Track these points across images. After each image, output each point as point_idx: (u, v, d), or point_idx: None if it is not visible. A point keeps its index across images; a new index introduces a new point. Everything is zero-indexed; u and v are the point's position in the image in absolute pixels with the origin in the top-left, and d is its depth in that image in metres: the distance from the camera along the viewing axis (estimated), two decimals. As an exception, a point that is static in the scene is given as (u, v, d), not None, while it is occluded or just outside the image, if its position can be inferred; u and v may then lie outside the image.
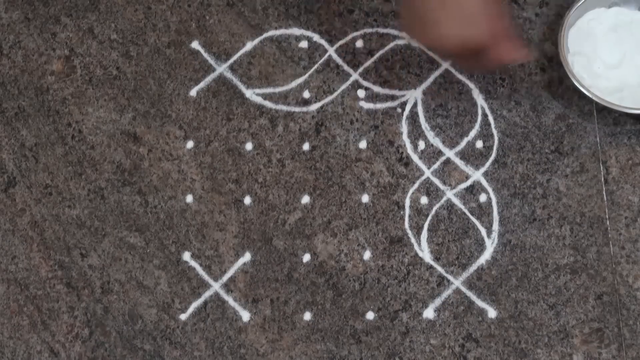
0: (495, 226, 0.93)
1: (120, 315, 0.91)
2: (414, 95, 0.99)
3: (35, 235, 0.95)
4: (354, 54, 1.00)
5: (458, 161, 0.96)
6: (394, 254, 0.93)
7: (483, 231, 0.93)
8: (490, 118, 0.97)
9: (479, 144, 0.96)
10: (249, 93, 0.99)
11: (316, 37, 1.01)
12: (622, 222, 0.94)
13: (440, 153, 0.96)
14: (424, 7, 0.86)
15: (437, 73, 0.99)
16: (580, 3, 0.96)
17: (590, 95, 0.93)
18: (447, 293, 0.91)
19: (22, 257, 0.95)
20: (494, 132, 0.97)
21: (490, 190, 0.95)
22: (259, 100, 0.99)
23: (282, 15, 1.02)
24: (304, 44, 1.00)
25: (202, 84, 0.99)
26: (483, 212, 0.94)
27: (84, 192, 0.95)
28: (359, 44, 1.00)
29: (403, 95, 0.99)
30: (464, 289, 0.91)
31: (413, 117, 0.98)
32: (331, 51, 1.00)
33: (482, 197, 0.94)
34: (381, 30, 1.01)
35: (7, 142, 0.97)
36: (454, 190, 0.95)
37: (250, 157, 0.96)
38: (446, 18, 0.85)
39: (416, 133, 0.97)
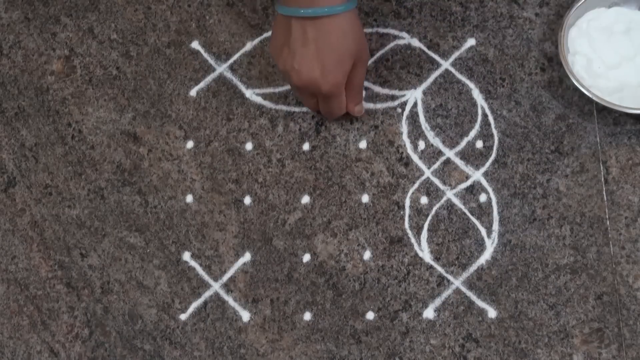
0: (495, 226, 0.93)
1: (120, 315, 0.91)
2: (414, 95, 0.99)
3: (35, 235, 0.95)
4: (354, 54, 1.00)
5: (458, 161, 0.96)
6: (394, 254, 0.93)
7: (483, 231, 0.93)
8: (490, 118, 0.97)
9: (479, 144, 0.96)
10: (249, 93, 0.99)
11: (316, 37, 1.01)
12: (622, 222, 0.94)
13: (440, 153, 0.96)
14: (288, 36, 0.88)
15: (437, 73, 0.99)
16: (580, 3, 0.97)
17: (590, 95, 0.93)
18: (447, 293, 0.91)
19: (22, 257, 0.95)
20: (494, 132, 0.97)
21: (490, 190, 0.95)
22: (259, 100, 0.99)
23: (282, 15, 1.02)
24: (304, 44, 1.00)
25: (202, 84, 0.99)
26: (483, 212, 0.94)
27: (84, 192, 0.95)
28: (359, 44, 1.00)
29: (403, 95, 0.99)
30: (464, 289, 0.91)
31: (413, 117, 0.98)
32: (331, 51, 1.00)
33: (482, 197, 0.94)
34: (381, 30, 1.01)
35: (7, 142, 0.97)
36: (454, 190, 0.95)
37: (250, 157, 0.96)
38: (301, 55, 0.87)
39: (416, 133, 0.97)
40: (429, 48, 1.00)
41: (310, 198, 0.95)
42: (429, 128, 0.97)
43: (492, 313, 0.91)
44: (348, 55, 0.88)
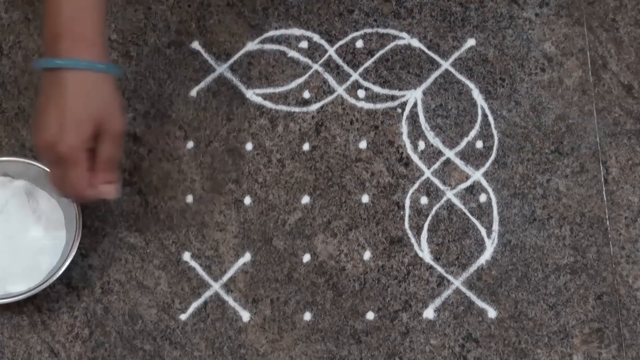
0: (495, 226, 0.93)
1: (120, 315, 0.91)
2: (414, 95, 0.99)
3: (35, 235, 0.95)
4: (354, 54, 1.00)
5: (458, 161, 0.96)
6: (394, 254, 0.93)
7: (483, 231, 0.93)
8: (490, 118, 0.97)
9: (479, 144, 0.96)
10: (249, 93, 0.99)
11: (316, 37, 1.01)
12: (622, 222, 0.94)
13: (440, 153, 0.96)
14: (40, 94, 0.84)
15: (437, 73, 0.99)
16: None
17: None
18: (447, 293, 0.91)
19: (22, 257, 0.95)
20: (494, 132, 0.97)
21: (490, 190, 0.95)
22: (259, 100, 0.99)
23: (282, 15, 1.02)
24: (304, 44, 1.00)
25: (202, 84, 0.99)
26: (483, 212, 0.94)
27: (84, 192, 0.95)
28: (359, 44, 1.00)
29: (403, 95, 0.99)
30: (464, 289, 0.91)
31: (413, 117, 0.98)
32: (331, 51, 1.00)
33: (482, 197, 0.94)
34: (381, 30, 1.01)
35: (7, 142, 0.97)
36: (454, 191, 0.95)
37: (250, 157, 0.96)
38: (44, 113, 0.82)
39: (416, 133, 0.97)
40: (429, 48, 1.00)
41: (310, 198, 0.95)
42: (429, 128, 0.97)
43: (492, 313, 0.91)
44: (88, 117, 0.82)
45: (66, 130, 0.81)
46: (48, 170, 0.86)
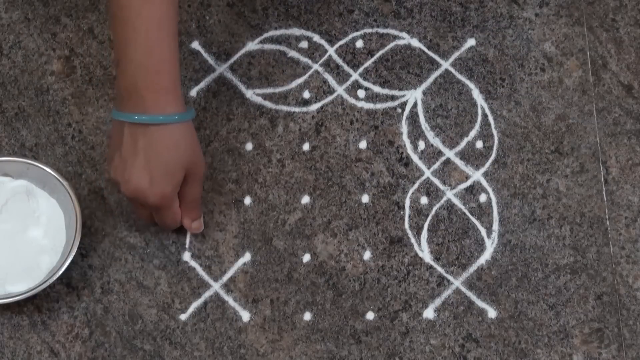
0: (495, 226, 0.93)
1: (120, 315, 0.91)
2: (414, 95, 0.99)
3: (35, 235, 0.95)
4: (354, 54, 1.00)
5: (458, 161, 0.96)
6: (394, 254, 0.93)
7: (483, 231, 0.93)
8: (490, 118, 0.97)
9: (479, 144, 0.96)
10: (249, 93, 0.99)
11: (316, 37, 1.01)
12: (622, 222, 0.94)
13: (440, 153, 0.96)
14: (120, 142, 0.85)
15: (437, 73, 0.99)
16: None
17: None
18: (447, 293, 0.91)
19: (22, 257, 0.95)
20: (494, 132, 0.97)
21: (490, 190, 0.95)
22: (259, 100, 0.99)
23: (282, 15, 1.02)
24: (304, 44, 1.01)
25: (202, 84, 0.99)
26: (483, 212, 0.94)
27: (84, 192, 0.95)
28: (359, 44, 1.01)
29: (403, 95, 0.99)
30: (464, 289, 0.91)
31: (413, 117, 0.98)
32: (331, 51, 1.00)
33: (482, 197, 0.94)
34: (381, 30, 1.01)
35: (7, 142, 0.97)
36: (454, 191, 0.95)
37: (250, 157, 0.96)
38: (131, 164, 0.84)
39: (416, 133, 0.97)
40: (429, 48, 1.00)
41: (310, 198, 0.95)
42: (429, 128, 0.97)
43: (492, 313, 0.91)
44: (178, 167, 0.85)
45: (157, 181, 0.84)
46: (135, 210, 0.91)
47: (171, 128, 0.84)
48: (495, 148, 0.96)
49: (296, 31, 1.01)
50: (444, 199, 0.95)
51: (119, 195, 0.94)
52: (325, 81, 0.99)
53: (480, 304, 0.91)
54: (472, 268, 0.92)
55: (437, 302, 0.91)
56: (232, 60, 1.00)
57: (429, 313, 0.91)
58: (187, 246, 0.93)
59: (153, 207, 0.87)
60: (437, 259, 0.92)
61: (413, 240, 0.93)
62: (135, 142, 0.84)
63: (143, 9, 0.81)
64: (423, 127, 0.97)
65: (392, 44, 1.00)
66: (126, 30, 0.82)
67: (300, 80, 0.99)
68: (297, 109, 0.98)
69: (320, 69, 1.00)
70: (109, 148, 0.88)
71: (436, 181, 0.95)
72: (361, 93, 0.99)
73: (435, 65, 1.00)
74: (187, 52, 1.00)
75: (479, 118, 0.97)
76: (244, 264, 0.93)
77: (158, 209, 0.87)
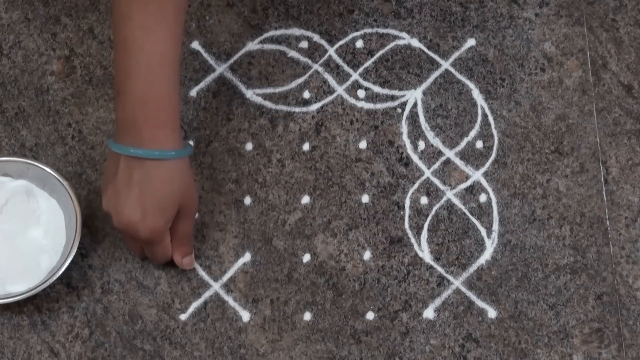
0: (495, 226, 0.93)
1: (120, 315, 0.91)
2: (414, 95, 0.99)
3: (35, 235, 0.95)
4: (354, 54, 1.00)
5: (458, 161, 0.96)
6: (394, 254, 0.93)
7: (483, 231, 0.93)
8: (490, 118, 0.97)
9: (479, 144, 0.96)
10: (249, 93, 0.99)
11: (316, 37, 1.01)
12: (622, 222, 0.94)
13: (440, 153, 0.96)
14: (115, 174, 0.85)
15: (437, 73, 0.99)
16: None
17: None
18: (447, 293, 0.91)
19: (22, 257, 0.95)
20: (494, 132, 0.97)
21: (490, 190, 0.95)
22: (259, 100, 0.99)
23: (282, 15, 1.02)
24: (304, 44, 1.01)
25: (202, 84, 0.99)
26: (483, 212, 0.94)
27: (84, 192, 0.95)
28: (359, 44, 1.01)
29: (403, 95, 0.99)
30: (464, 289, 0.91)
31: (413, 117, 0.98)
32: (331, 51, 1.00)
33: (482, 197, 0.94)
34: (381, 30, 1.01)
35: (7, 142, 0.97)
36: (454, 191, 0.95)
37: (250, 157, 0.96)
38: (125, 196, 0.84)
39: (416, 133, 0.97)
40: (429, 48, 1.00)
41: (310, 198, 0.95)
42: (429, 128, 0.97)
43: (492, 313, 0.91)
44: (172, 202, 0.85)
45: (150, 215, 0.84)
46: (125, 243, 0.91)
47: (167, 164, 0.84)
48: (495, 148, 0.96)
49: (296, 31, 1.01)
50: (444, 199, 0.95)
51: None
52: (325, 81, 0.99)
53: (480, 304, 0.91)
54: (472, 268, 0.92)
55: (437, 302, 0.91)
56: (232, 60, 1.00)
57: (429, 313, 0.91)
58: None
59: (144, 241, 0.87)
60: (437, 259, 0.92)
61: (413, 240, 0.93)
62: (130, 175, 0.83)
63: (146, 43, 0.81)
64: (423, 127, 0.97)
65: (392, 44, 1.00)
66: (128, 63, 0.82)
67: (300, 80, 0.99)
68: (297, 109, 0.98)
69: (320, 69, 1.00)
70: (103, 178, 0.88)
71: (436, 181, 0.95)
72: (361, 93, 0.99)
73: (435, 65, 1.00)
74: (187, 52, 1.00)
75: (479, 118, 0.97)
76: (244, 264, 0.93)
77: (149, 243, 0.87)
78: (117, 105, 0.84)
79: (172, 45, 0.83)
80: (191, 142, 0.97)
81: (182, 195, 0.86)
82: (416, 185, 0.95)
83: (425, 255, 0.93)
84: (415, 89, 0.99)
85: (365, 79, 0.99)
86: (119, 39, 0.82)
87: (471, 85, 0.99)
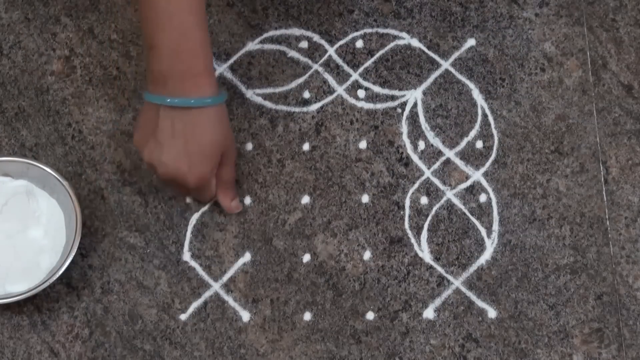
0: (495, 226, 0.93)
1: (120, 315, 0.91)
2: (414, 95, 0.99)
3: (35, 235, 0.95)
4: (354, 54, 1.00)
5: (458, 161, 0.96)
6: (394, 254, 0.93)
7: (483, 231, 0.93)
8: (490, 118, 0.97)
9: (479, 144, 0.96)
10: (249, 93, 0.99)
11: (316, 37, 1.01)
12: (622, 222, 0.94)
13: (440, 153, 0.96)
14: (155, 125, 0.85)
15: (437, 73, 0.99)
16: None
17: None
18: (447, 293, 0.91)
19: (22, 257, 0.95)
20: (494, 132, 0.97)
21: (490, 190, 0.95)
22: (259, 100, 0.99)
23: (282, 15, 1.02)
24: (304, 44, 1.01)
25: (202, 84, 0.99)
26: (483, 212, 0.94)
27: (84, 192, 0.95)
28: (359, 44, 1.01)
29: (403, 95, 0.99)
30: (464, 289, 0.91)
31: (413, 117, 0.98)
32: (331, 51, 1.00)
33: (482, 197, 0.94)
34: (381, 30, 1.01)
35: (7, 142, 0.97)
36: (454, 191, 0.95)
37: (250, 157, 0.96)
38: (169, 147, 0.85)
39: (416, 133, 0.97)
40: (429, 48, 1.00)
41: (310, 198, 0.95)
42: (429, 128, 0.97)
43: (492, 313, 0.91)
44: (215, 150, 0.87)
45: (196, 164, 0.86)
46: (168, 188, 0.93)
47: (208, 111, 0.85)
48: (495, 148, 0.96)
49: (296, 31, 1.01)
50: (444, 199, 0.95)
51: (119, 195, 0.95)
52: (325, 81, 0.99)
53: (480, 304, 0.91)
54: (472, 268, 0.92)
55: (437, 302, 0.91)
56: (232, 60, 1.00)
57: (429, 313, 0.91)
58: (186, 246, 0.93)
59: (192, 189, 0.88)
60: (437, 259, 0.92)
61: (413, 240, 0.93)
62: (172, 125, 0.84)
63: None
64: (423, 127, 0.97)
65: (392, 44, 1.00)
66: (158, 16, 0.83)
67: (300, 80, 0.99)
68: (297, 109, 0.98)
69: (320, 69, 1.00)
70: (138, 130, 0.89)
71: (436, 181, 0.95)
72: (361, 93, 0.99)
73: (435, 65, 1.00)
74: (187, 52, 1.00)
75: (479, 118, 0.97)
76: (244, 264, 0.93)
77: (196, 190, 0.89)
78: (149, 59, 0.85)
79: None
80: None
81: (224, 141, 0.87)
82: (416, 185, 0.95)
83: (425, 255, 0.93)
84: (415, 89, 0.99)
85: (365, 79, 0.99)
86: None
87: (471, 85, 0.99)
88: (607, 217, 0.94)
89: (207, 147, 0.86)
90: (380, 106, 0.98)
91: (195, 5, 0.84)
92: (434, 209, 0.94)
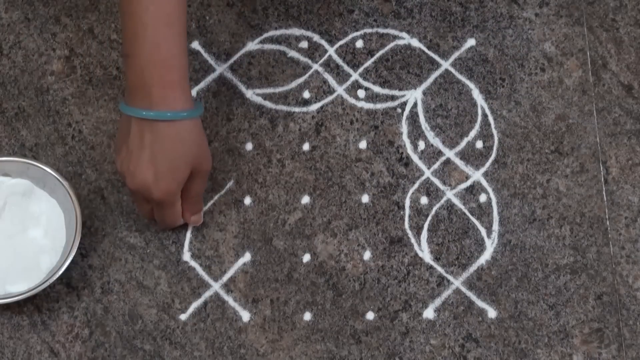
0: (495, 226, 0.93)
1: (120, 315, 0.91)
2: (414, 95, 0.99)
3: (35, 235, 0.95)
4: (354, 54, 1.00)
5: (458, 161, 0.96)
6: (394, 254, 0.93)
7: (483, 231, 0.93)
8: (490, 118, 0.97)
9: (479, 144, 0.96)
10: (249, 93, 0.99)
11: (316, 37, 1.01)
12: (622, 222, 0.94)
13: (440, 153, 0.96)
14: (127, 135, 0.85)
15: (437, 73, 0.99)
16: None
17: None
18: (447, 293, 0.91)
19: (22, 257, 0.95)
20: (494, 132, 0.97)
21: (490, 190, 0.95)
22: (259, 100, 0.99)
23: (282, 15, 1.02)
24: (304, 44, 1.01)
25: (202, 84, 0.99)
26: (483, 212, 0.94)
27: (84, 192, 0.95)
28: (359, 44, 1.01)
29: (403, 95, 0.99)
30: (464, 289, 0.91)
31: (413, 117, 0.98)
32: (331, 51, 1.00)
33: (482, 197, 0.94)
34: (381, 30, 1.01)
35: (7, 142, 0.97)
36: (454, 191, 0.95)
37: (250, 157, 0.96)
38: (137, 158, 0.84)
39: (416, 133, 0.97)
40: (429, 48, 1.00)
41: (310, 198, 0.95)
42: (429, 128, 0.97)
43: (492, 313, 0.91)
44: (184, 163, 0.85)
45: (163, 177, 0.84)
46: (137, 207, 0.91)
47: (178, 125, 0.84)
48: (495, 148, 0.96)
49: (296, 31, 1.01)
50: (444, 199, 0.95)
51: (119, 195, 0.95)
52: (325, 81, 0.99)
53: (480, 304, 0.91)
54: (472, 268, 0.92)
55: (437, 302, 0.91)
56: (232, 60, 1.00)
57: (429, 313, 0.91)
58: (186, 246, 0.93)
59: (156, 203, 0.87)
60: (437, 259, 0.92)
61: (413, 240, 0.93)
62: (142, 137, 0.84)
63: (151, 5, 0.82)
64: (423, 127, 0.97)
65: (392, 44, 1.00)
66: (135, 25, 0.82)
67: (300, 80, 0.99)
68: (297, 109, 0.98)
69: (320, 69, 1.00)
70: (116, 140, 0.89)
71: (436, 181, 0.95)
72: (361, 93, 0.99)
73: (435, 65, 1.00)
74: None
75: (479, 118, 0.98)
76: (244, 264, 0.93)
77: (160, 204, 0.87)
78: (126, 68, 0.84)
79: (177, 6, 0.83)
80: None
81: (195, 156, 0.86)
82: (416, 185, 0.95)
83: (425, 255, 0.93)
84: (415, 89, 0.99)
85: (365, 79, 0.99)
86: (124, 1, 0.83)
87: (471, 85, 0.99)
88: (607, 217, 0.94)
89: (175, 161, 0.84)
90: (380, 106, 0.98)
91: (174, 17, 0.83)
92: (434, 209, 0.94)
